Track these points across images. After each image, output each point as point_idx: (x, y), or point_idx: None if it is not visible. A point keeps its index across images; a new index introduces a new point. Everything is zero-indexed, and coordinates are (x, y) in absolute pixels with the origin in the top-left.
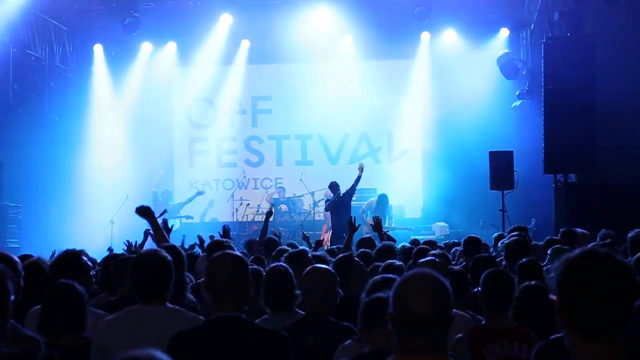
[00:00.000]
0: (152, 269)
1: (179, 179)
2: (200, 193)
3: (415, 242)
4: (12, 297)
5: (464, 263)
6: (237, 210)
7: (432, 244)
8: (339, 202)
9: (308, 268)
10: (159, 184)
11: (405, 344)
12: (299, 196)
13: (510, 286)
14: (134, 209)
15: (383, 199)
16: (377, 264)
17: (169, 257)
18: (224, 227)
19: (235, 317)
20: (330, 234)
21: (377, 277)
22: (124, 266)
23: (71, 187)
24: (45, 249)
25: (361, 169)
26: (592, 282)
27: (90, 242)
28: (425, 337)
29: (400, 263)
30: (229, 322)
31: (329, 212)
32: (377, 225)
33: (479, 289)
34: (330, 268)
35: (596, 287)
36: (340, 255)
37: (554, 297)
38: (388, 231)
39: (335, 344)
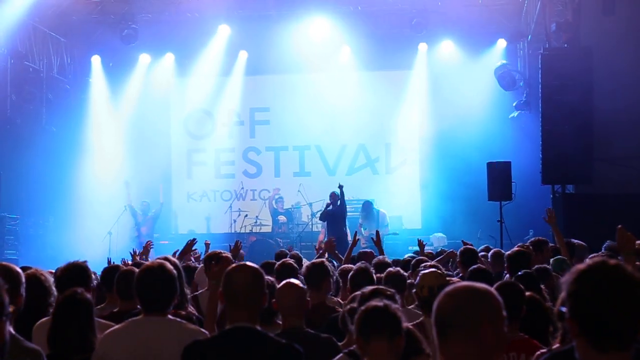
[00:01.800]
0: (157, 281)
1: (176, 190)
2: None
3: (420, 245)
4: (9, 309)
5: (460, 274)
6: (235, 221)
7: (430, 255)
8: (334, 214)
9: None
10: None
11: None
12: (297, 207)
13: (519, 297)
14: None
15: (367, 205)
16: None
17: (174, 270)
18: (236, 241)
19: (251, 329)
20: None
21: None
22: (128, 278)
23: (69, 198)
24: (43, 261)
25: (340, 187)
26: (602, 293)
27: (88, 253)
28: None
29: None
30: (245, 333)
31: (325, 221)
32: (378, 240)
33: None
34: (299, 283)
35: (606, 298)
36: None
37: (564, 309)
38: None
39: (318, 357)
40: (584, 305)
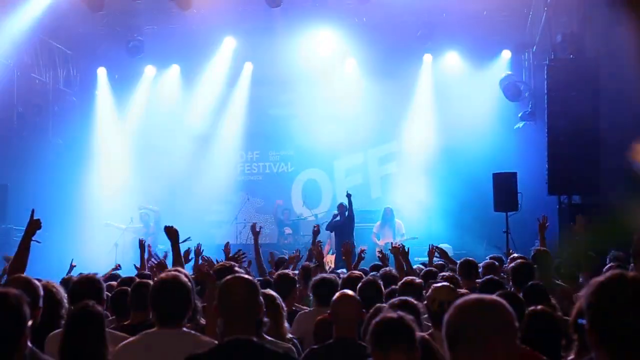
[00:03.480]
0: (173, 293)
1: (182, 200)
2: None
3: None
4: (30, 322)
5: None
6: (240, 232)
7: (440, 266)
8: (342, 225)
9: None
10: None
11: None
12: (303, 218)
13: (521, 310)
14: (164, 227)
15: (389, 212)
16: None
17: (189, 282)
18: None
19: (248, 340)
20: (335, 256)
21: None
22: (142, 290)
23: (75, 210)
24: (50, 272)
25: (349, 196)
26: (623, 305)
27: (94, 265)
28: None
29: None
30: (242, 345)
31: (331, 232)
32: (403, 254)
33: None
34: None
35: (627, 310)
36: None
37: (582, 321)
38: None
39: None
40: (604, 316)
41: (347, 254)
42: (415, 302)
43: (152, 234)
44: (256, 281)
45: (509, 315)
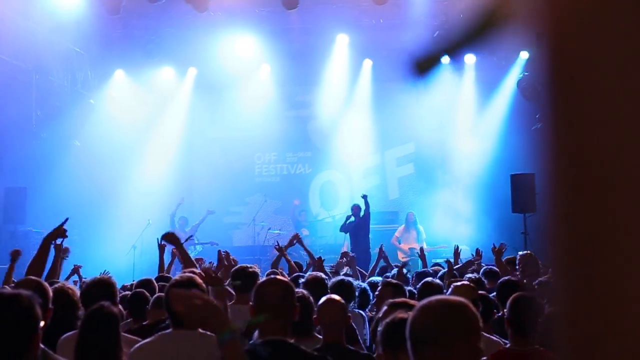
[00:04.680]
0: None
1: (199, 202)
2: (210, 212)
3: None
4: (42, 323)
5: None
6: (258, 234)
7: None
8: (357, 226)
9: (323, 298)
10: (177, 211)
11: None
12: (321, 219)
13: (537, 310)
14: (160, 237)
15: (411, 217)
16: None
17: (204, 284)
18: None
19: (283, 341)
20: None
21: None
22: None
23: (93, 212)
24: (67, 275)
25: (365, 197)
26: None
27: (112, 267)
28: None
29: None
30: (277, 346)
31: (346, 234)
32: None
33: (505, 312)
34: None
35: None
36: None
37: None
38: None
39: None
40: None
41: (351, 262)
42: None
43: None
44: (291, 283)
45: (474, 317)
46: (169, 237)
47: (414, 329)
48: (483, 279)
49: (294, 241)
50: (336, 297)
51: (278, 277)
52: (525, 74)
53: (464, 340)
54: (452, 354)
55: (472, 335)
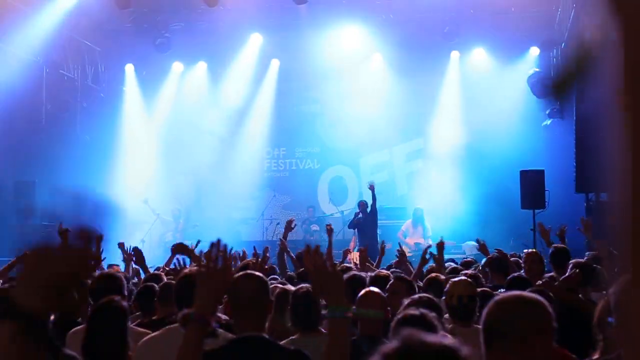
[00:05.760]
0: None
1: (208, 197)
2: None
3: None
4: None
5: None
6: (267, 229)
7: (467, 264)
8: (364, 222)
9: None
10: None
11: None
12: (329, 215)
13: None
14: (171, 248)
15: (419, 213)
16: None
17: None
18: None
19: (259, 337)
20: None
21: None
22: (169, 287)
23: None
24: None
25: (372, 188)
26: None
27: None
28: None
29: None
30: (253, 342)
31: (355, 230)
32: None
33: None
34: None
35: None
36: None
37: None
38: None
39: None
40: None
41: (363, 260)
42: (436, 299)
43: (180, 231)
44: (266, 279)
45: (549, 314)
46: (180, 249)
47: (488, 323)
48: (487, 269)
49: (292, 225)
50: (376, 289)
51: (253, 272)
52: (536, 70)
53: (537, 336)
54: (525, 349)
55: (545, 331)
